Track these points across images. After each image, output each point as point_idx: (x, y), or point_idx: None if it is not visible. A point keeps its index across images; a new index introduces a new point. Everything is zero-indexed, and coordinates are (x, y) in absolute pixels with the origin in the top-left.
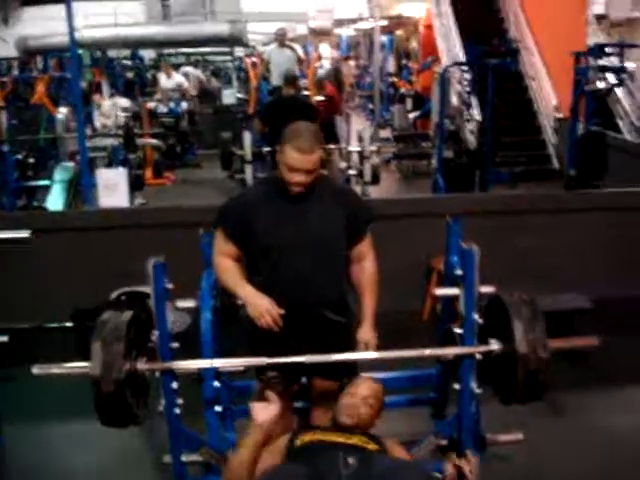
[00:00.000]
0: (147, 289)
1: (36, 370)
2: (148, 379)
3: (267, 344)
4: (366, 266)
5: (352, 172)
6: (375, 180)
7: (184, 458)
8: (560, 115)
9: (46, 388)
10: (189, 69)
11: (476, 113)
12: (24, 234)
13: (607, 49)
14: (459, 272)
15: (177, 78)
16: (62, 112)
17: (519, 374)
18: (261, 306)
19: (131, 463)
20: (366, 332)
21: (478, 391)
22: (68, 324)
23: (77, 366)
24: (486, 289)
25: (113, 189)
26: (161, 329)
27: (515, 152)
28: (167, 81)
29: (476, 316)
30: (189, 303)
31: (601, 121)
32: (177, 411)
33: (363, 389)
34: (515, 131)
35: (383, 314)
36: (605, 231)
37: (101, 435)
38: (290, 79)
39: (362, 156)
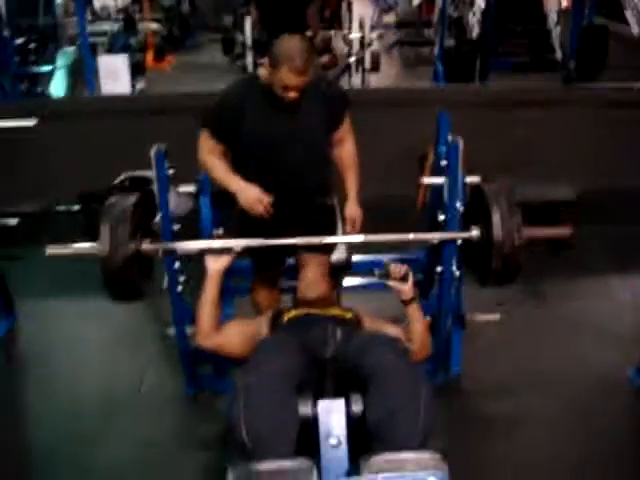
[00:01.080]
0: (150, 173)
1: (49, 251)
2: (152, 258)
3: (258, 231)
4: (347, 148)
5: (352, 59)
6: (375, 67)
7: (187, 330)
8: (565, 4)
9: (55, 267)
10: None
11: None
12: (30, 122)
13: None
14: (444, 162)
15: None
16: None
17: (494, 258)
18: (252, 196)
19: (137, 335)
20: (352, 208)
21: (458, 273)
22: (75, 207)
23: (87, 246)
24: (471, 179)
25: (115, 76)
26: (163, 213)
27: (518, 40)
28: None
29: (458, 204)
30: (189, 188)
31: (607, 10)
32: (179, 288)
33: (311, 269)
34: (519, 19)
35: (380, 199)
36: (597, 125)
37: (108, 310)
38: None
39: (363, 43)
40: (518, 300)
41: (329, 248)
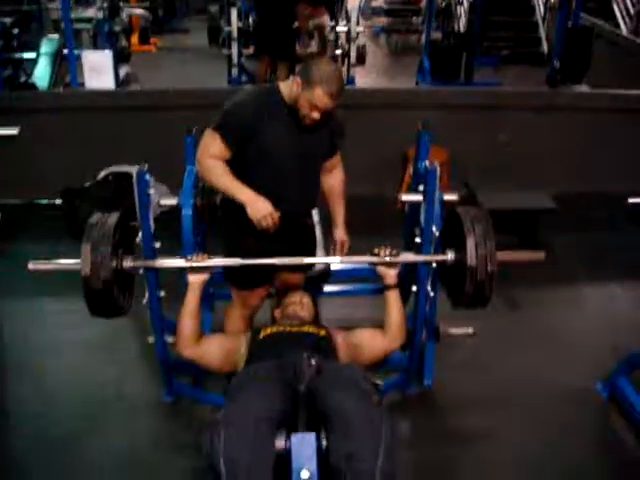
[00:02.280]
0: (130, 169)
1: (31, 266)
2: (133, 274)
3: (246, 246)
4: (338, 175)
5: (338, 52)
6: (361, 61)
7: (167, 339)
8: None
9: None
10: None
11: None
12: (13, 131)
13: None
14: (421, 189)
15: None
16: None
17: (467, 284)
18: (263, 209)
19: (118, 339)
20: (341, 233)
21: (432, 294)
22: (58, 202)
23: (69, 263)
24: (449, 197)
25: (99, 71)
26: (145, 233)
27: (505, 33)
28: None
29: (434, 228)
30: (171, 201)
31: (597, 6)
32: (159, 301)
33: (298, 295)
34: (507, 11)
35: (365, 199)
36: (579, 130)
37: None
38: None
39: (349, 37)
40: (492, 308)
41: (309, 268)
